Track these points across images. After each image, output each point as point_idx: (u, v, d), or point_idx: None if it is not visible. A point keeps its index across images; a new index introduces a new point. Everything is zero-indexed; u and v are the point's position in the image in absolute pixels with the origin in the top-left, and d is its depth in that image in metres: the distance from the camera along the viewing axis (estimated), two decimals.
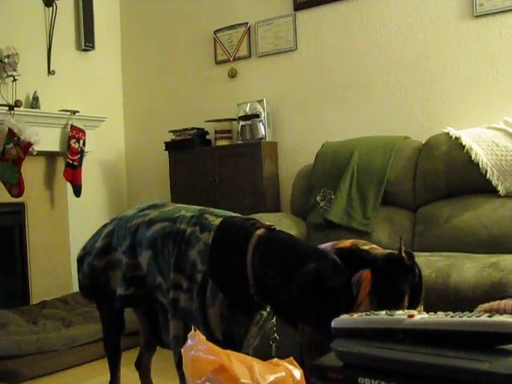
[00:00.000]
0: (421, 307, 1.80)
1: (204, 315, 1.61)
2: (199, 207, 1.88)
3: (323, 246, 2.30)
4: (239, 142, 4.28)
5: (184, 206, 1.94)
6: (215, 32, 4.66)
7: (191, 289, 1.66)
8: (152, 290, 1.86)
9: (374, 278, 1.82)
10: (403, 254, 1.81)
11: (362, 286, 1.85)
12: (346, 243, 2.18)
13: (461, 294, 2.37)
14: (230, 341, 1.59)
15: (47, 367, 3.16)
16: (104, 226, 2.12)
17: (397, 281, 1.65)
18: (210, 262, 1.64)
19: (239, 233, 1.66)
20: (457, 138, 3.25)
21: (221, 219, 1.72)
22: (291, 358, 1.13)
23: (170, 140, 4.56)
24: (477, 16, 3.57)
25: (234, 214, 1.84)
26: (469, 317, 0.82)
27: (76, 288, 4.38)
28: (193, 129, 4.48)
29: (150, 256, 1.82)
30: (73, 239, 4.60)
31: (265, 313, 1.69)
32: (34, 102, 4.35)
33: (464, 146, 3.19)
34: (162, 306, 1.85)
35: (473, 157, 3.14)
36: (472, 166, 3.15)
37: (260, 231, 1.63)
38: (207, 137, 4.55)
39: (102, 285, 2.01)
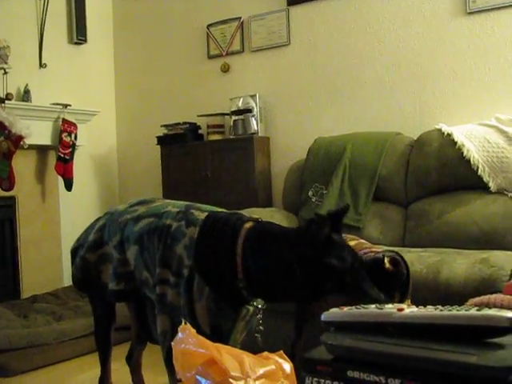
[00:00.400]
0: (408, 301, 1.81)
1: (191, 310, 1.61)
2: (186, 203, 1.89)
3: None
4: (231, 137, 4.28)
5: (172, 201, 1.94)
6: (208, 26, 4.65)
7: (178, 284, 1.66)
8: (140, 286, 1.87)
9: None
10: (387, 265, 1.81)
11: None
12: None
13: (451, 289, 2.37)
14: (218, 335, 1.59)
15: (38, 361, 3.16)
16: (97, 220, 2.13)
17: (384, 285, 1.66)
18: (196, 256, 1.63)
19: (226, 226, 1.65)
20: (449, 135, 3.26)
21: (206, 214, 1.72)
22: (281, 351, 1.13)
23: (162, 134, 4.55)
24: (469, 13, 3.58)
25: (219, 209, 1.84)
26: (458, 310, 0.82)
27: (67, 282, 4.39)
28: (185, 123, 4.47)
29: (137, 251, 1.83)
30: (64, 233, 4.59)
31: (251, 308, 1.68)
32: (26, 95, 4.33)
33: (456, 143, 3.20)
34: (150, 302, 1.86)
35: (464, 153, 3.15)
36: (463, 162, 3.16)
37: (248, 224, 1.63)
38: (199, 131, 4.55)
39: (93, 278, 2.02)
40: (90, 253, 2.02)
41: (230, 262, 1.59)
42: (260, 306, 1.67)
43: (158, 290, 1.72)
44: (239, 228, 1.62)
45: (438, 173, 3.26)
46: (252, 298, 1.64)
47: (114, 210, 2.07)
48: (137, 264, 1.84)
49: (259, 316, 1.67)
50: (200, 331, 1.54)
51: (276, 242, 1.59)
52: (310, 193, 3.59)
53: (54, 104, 4.45)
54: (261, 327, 1.69)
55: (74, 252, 2.11)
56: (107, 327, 2.17)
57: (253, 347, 1.43)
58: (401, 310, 0.86)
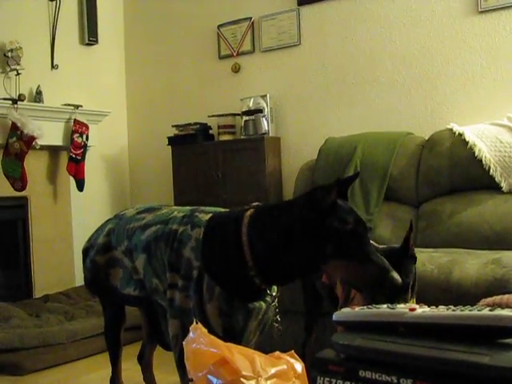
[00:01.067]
0: (413, 300, 1.81)
1: (202, 312, 1.61)
2: (192, 207, 1.89)
3: None
4: (242, 137, 4.28)
5: (178, 207, 1.95)
6: (219, 27, 4.65)
7: (187, 287, 1.65)
8: (151, 293, 1.89)
9: None
10: (411, 233, 1.83)
11: None
12: None
13: (463, 290, 2.37)
14: (230, 336, 1.59)
15: (50, 360, 3.18)
16: (107, 222, 2.14)
17: (400, 273, 1.66)
18: (203, 255, 1.63)
19: (228, 220, 1.66)
20: (460, 134, 3.24)
21: (210, 215, 1.72)
22: (292, 351, 1.14)
23: (172, 135, 4.56)
24: (481, 12, 3.56)
25: (223, 210, 1.84)
26: (470, 310, 0.82)
27: (79, 282, 4.41)
28: (196, 124, 4.48)
29: (145, 259, 1.84)
30: (75, 233, 4.61)
31: (264, 305, 1.68)
32: (38, 96, 4.35)
33: (467, 142, 3.18)
34: (162, 308, 1.87)
35: (476, 153, 3.14)
36: (475, 162, 3.14)
37: (249, 212, 1.63)
38: (210, 132, 4.55)
39: (102, 281, 2.05)
40: (100, 255, 2.04)
41: (238, 253, 1.58)
42: (274, 294, 1.65)
43: (168, 294, 1.72)
44: (241, 218, 1.61)
45: (450, 173, 3.25)
46: (265, 286, 1.63)
47: (123, 215, 2.08)
48: (145, 272, 1.86)
49: (275, 304, 1.66)
50: (212, 333, 1.54)
51: (278, 214, 1.58)
52: None
53: (65, 105, 4.47)
54: (278, 317, 1.67)
55: (86, 252, 2.13)
56: (117, 328, 2.19)
57: (269, 339, 1.43)
58: (413, 309, 0.86)
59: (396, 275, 1.44)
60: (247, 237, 1.58)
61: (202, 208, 1.84)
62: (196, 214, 1.76)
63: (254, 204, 1.70)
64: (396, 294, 1.48)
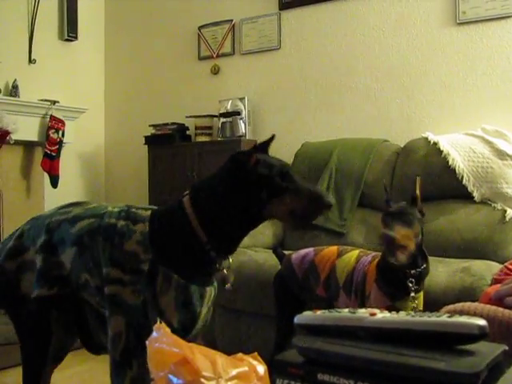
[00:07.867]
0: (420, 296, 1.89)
1: (156, 305, 1.58)
2: (124, 204, 1.83)
3: (305, 250, 2.36)
4: (219, 139, 4.28)
5: (108, 204, 1.87)
6: (199, 28, 4.65)
7: (135, 281, 1.59)
8: (77, 290, 1.73)
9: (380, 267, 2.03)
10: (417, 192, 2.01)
11: (366, 277, 2.06)
12: (333, 249, 2.27)
13: (432, 297, 2.38)
14: (184, 327, 1.59)
15: (17, 359, 3.12)
16: (17, 229, 1.92)
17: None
18: (155, 247, 1.61)
19: (171, 208, 1.68)
20: (435, 143, 3.27)
21: (150, 211, 1.73)
22: (255, 353, 1.13)
23: (149, 134, 4.54)
24: (459, 23, 3.60)
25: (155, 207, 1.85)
26: (429, 317, 0.82)
27: None
28: (173, 124, 4.47)
29: (75, 253, 1.71)
30: None
31: (213, 291, 1.68)
32: (14, 91, 4.30)
33: (442, 152, 3.21)
34: (90, 307, 1.74)
35: (450, 162, 3.17)
36: (449, 171, 3.17)
37: (186, 197, 1.66)
38: (187, 132, 4.54)
39: (12, 288, 1.80)
40: (9, 260, 1.81)
41: (190, 232, 1.61)
42: (228, 268, 1.67)
43: (108, 290, 1.61)
44: (181, 204, 1.64)
45: (423, 181, 3.27)
46: (219, 258, 1.64)
47: (39, 215, 1.93)
48: (73, 267, 1.71)
49: (232, 279, 1.68)
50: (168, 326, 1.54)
51: (211, 185, 1.65)
52: None
53: (42, 100, 4.43)
54: (230, 284, 1.70)
55: None
56: (41, 351, 1.77)
57: (234, 349, 1.42)
58: (373, 314, 0.86)
59: (330, 197, 1.57)
60: (194, 215, 1.61)
61: (137, 205, 1.80)
62: (133, 211, 1.73)
63: (186, 192, 1.72)
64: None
